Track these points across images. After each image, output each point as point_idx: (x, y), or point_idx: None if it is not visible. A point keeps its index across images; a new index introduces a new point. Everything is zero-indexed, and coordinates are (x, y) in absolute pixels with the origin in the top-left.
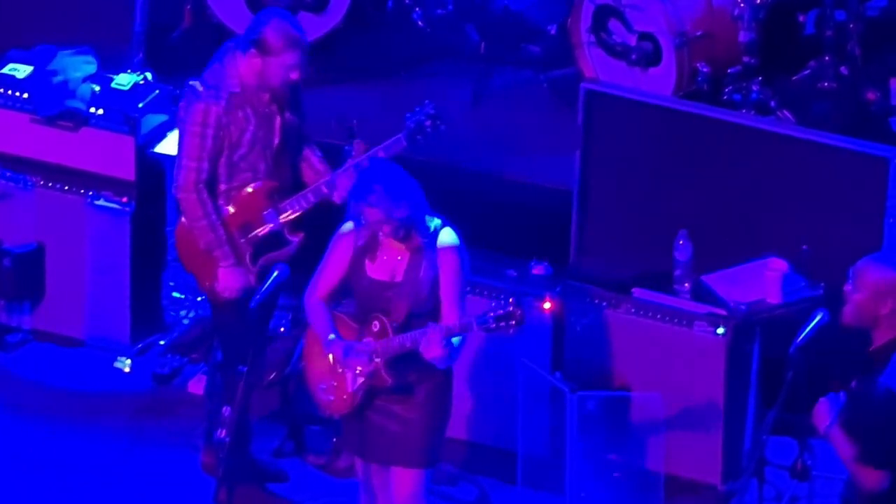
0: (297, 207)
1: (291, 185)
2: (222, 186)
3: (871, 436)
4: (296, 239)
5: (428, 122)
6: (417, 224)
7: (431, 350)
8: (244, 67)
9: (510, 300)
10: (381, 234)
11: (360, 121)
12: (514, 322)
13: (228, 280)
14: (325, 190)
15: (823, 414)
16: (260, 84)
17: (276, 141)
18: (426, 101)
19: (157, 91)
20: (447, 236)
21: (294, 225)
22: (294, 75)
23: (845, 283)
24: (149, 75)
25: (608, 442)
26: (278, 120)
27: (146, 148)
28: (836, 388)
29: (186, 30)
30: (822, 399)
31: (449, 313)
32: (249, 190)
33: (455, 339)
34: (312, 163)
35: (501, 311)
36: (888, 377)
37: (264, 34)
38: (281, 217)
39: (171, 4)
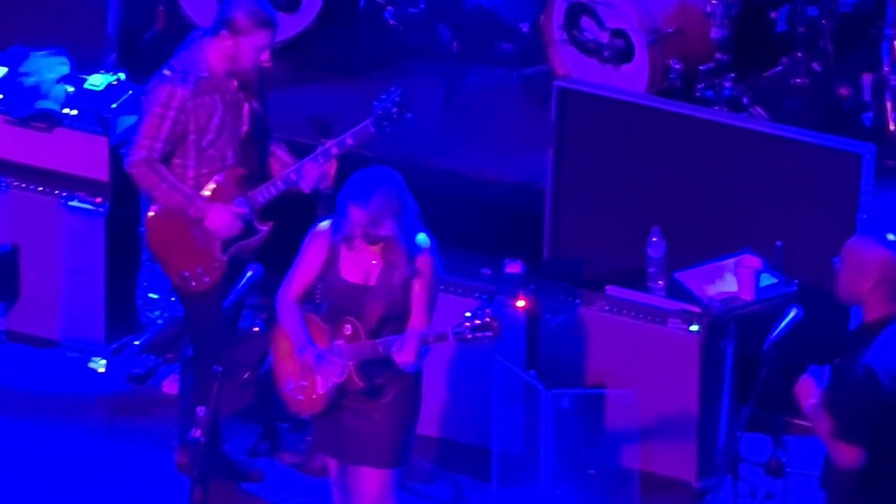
0: (266, 195)
1: (260, 174)
2: (191, 173)
3: (848, 412)
4: (265, 228)
5: (395, 109)
6: (399, 242)
7: (405, 356)
8: (214, 51)
9: (487, 311)
10: (357, 235)
11: (332, 120)
12: (490, 333)
13: (217, 221)
14: (293, 178)
15: (807, 390)
16: (230, 67)
17: (245, 128)
18: (392, 88)
19: (131, 92)
20: (422, 242)
21: (264, 214)
22: (264, 56)
23: (817, 277)
24: (122, 76)
25: (583, 439)
26: (246, 107)
27: (120, 148)
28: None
29: (159, 31)
30: (804, 375)
31: (417, 317)
32: (218, 178)
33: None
34: (279, 155)
35: (478, 322)
36: (870, 356)
37: (235, 14)
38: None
39: (145, 5)
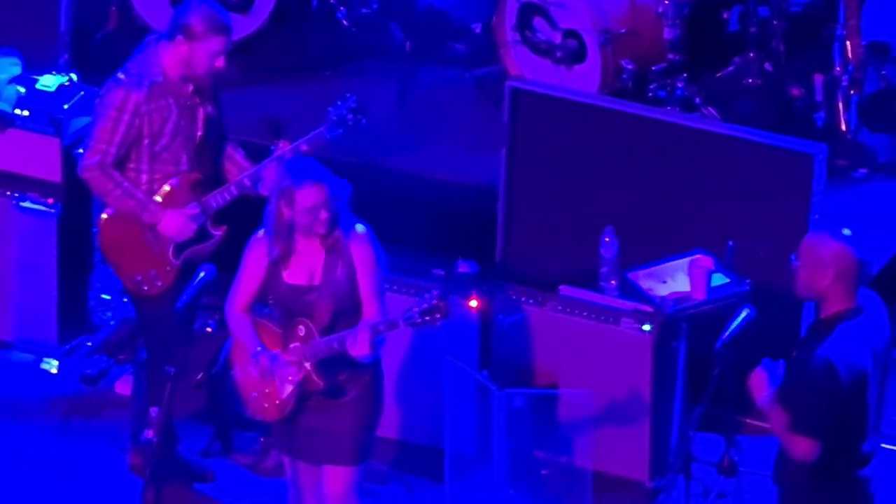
0: (220, 200)
1: (214, 179)
2: (144, 177)
3: (806, 405)
4: (219, 233)
5: (350, 116)
6: (344, 217)
7: (359, 349)
8: (169, 56)
9: (434, 293)
10: (301, 231)
11: (285, 120)
12: (439, 315)
13: (171, 226)
14: (247, 183)
15: (761, 383)
16: (184, 72)
17: (199, 133)
18: (348, 95)
19: (83, 92)
20: (358, 231)
21: (217, 219)
22: (219, 62)
23: (769, 277)
24: (74, 76)
25: (536, 439)
26: (201, 112)
27: (72, 149)
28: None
29: (112, 31)
30: (758, 368)
31: (369, 307)
32: (172, 183)
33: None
34: (236, 159)
35: (426, 305)
36: (827, 348)
37: (190, 19)
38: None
39: (97, 6)
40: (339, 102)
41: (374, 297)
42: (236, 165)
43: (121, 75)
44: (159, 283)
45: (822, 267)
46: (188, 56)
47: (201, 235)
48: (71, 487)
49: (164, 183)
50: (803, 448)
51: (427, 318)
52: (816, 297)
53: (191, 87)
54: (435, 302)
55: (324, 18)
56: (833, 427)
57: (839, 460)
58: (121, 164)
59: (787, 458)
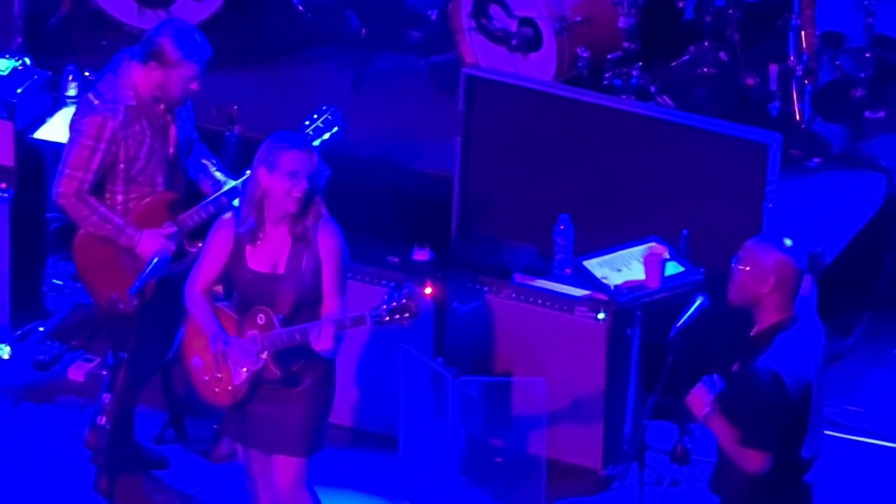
0: (196, 219)
1: (186, 193)
2: (119, 198)
3: (757, 418)
4: (194, 250)
5: (324, 128)
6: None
7: (323, 342)
8: (142, 79)
9: (404, 292)
10: (274, 203)
11: (240, 107)
12: (408, 315)
13: (147, 247)
14: (224, 201)
15: (700, 400)
16: (158, 95)
17: (172, 151)
18: (324, 106)
19: (36, 76)
20: (327, 224)
21: (192, 235)
22: (194, 87)
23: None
24: (27, 60)
25: (490, 427)
26: (173, 129)
27: (25, 133)
28: (714, 371)
29: (65, 15)
30: (698, 385)
31: (330, 301)
32: (147, 203)
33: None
34: (209, 170)
35: (395, 304)
36: (769, 358)
37: (163, 46)
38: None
39: None
40: (313, 114)
41: (336, 291)
42: (211, 178)
43: (95, 100)
44: (135, 302)
45: (764, 274)
46: (163, 81)
47: (177, 253)
48: (23, 474)
49: (138, 203)
50: (755, 462)
51: (396, 316)
52: (751, 303)
53: (162, 107)
54: (404, 301)
55: (280, 4)
56: (780, 438)
57: (784, 469)
58: (97, 188)
59: (731, 469)
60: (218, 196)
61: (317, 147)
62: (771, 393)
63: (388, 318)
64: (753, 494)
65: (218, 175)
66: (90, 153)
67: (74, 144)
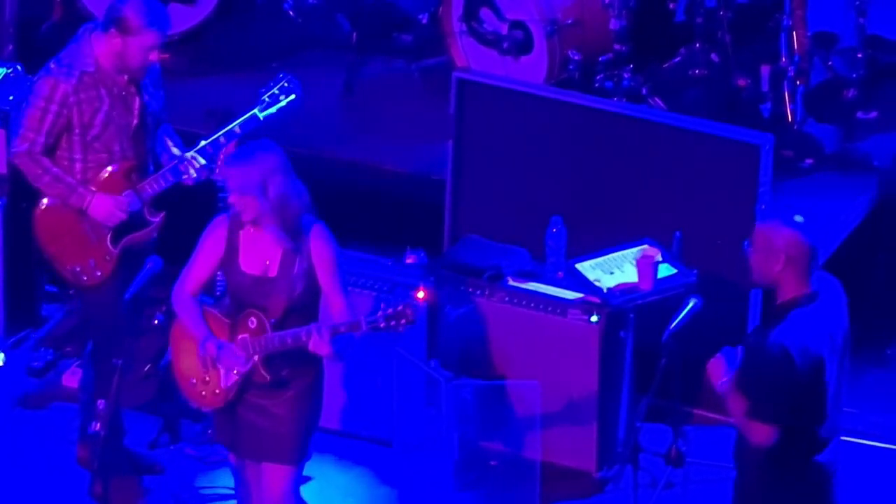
0: (156, 187)
1: (151, 167)
2: (78, 166)
3: (763, 391)
4: (156, 219)
5: (280, 95)
6: (299, 221)
7: (320, 349)
8: (102, 47)
9: (400, 298)
10: (253, 221)
11: (231, 112)
12: (404, 321)
13: (100, 209)
14: (181, 169)
15: (719, 369)
16: (118, 65)
17: (135, 122)
18: (280, 74)
19: (28, 83)
20: (318, 229)
21: (157, 205)
22: (153, 56)
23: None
24: (19, 67)
25: (484, 430)
26: (137, 101)
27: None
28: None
29: (57, 21)
30: (718, 354)
31: (335, 302)
32: (108, 171)
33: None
34: (167, 145)
35: (391, 311)
36: (781, 333)
37: (124, 13)
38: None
39: None
40: (270, 83)
41: (338, 291)
42: (168, 151)
43: (52, 65)
44: (98, 273)
45: (774, 253)
46: (122, 49)
47: (139, 222)
48: (18, 480)
49: (98, 171)
50: (761, 433)
51: (392, 322)
52: (770, 283)
53: (125, 78)
54: (401, 308)
55: (270, 9)
56: (790, 412)
57: (796, 445)
58: (51, 152)
59: (746, 443)
60: (175, 165)
61: (252, 154)
62: (777, 366)
63: (383, 325)
64: (765, 468)
65: (175, 150)
66: (41, 114)
67: (28, 106)
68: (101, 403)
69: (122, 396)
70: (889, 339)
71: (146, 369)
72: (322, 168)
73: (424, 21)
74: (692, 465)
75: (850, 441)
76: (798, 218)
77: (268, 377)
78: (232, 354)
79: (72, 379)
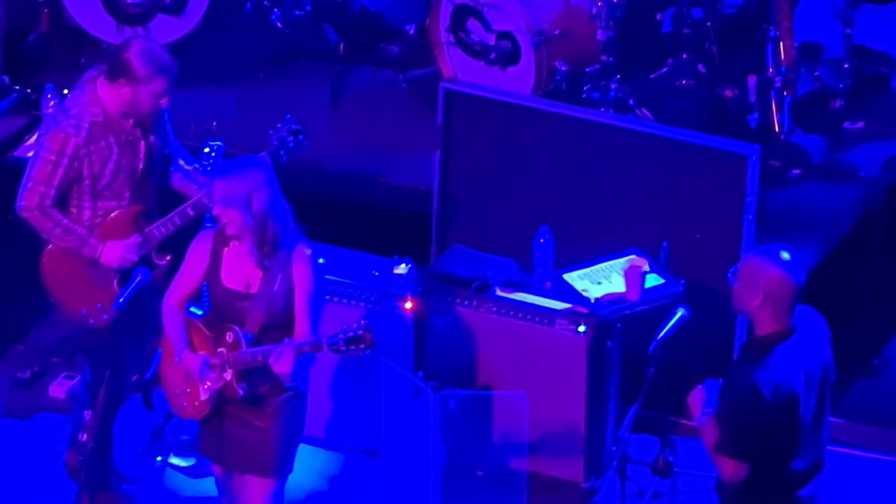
0: (163, 230)
1: (158, 208)
2: (87, 214)
3: (730, 427)
4: (163, 262)
5: (290, 138)
6: (277, 240)
7: (282, 365)
8: (110, 96)
9: (361, 322)
10: (235, 236)
11: (218, 122)
12: (363, 346)
13: (112, 257)
14: (191, 213)
15: (698, 402)
16: (127, 111)
17: (141, 166)
18: (287, 116)
19: (14, 95)
20: (301, 250)
21: (161, 248)
22: (163, 102)
23: (708, 277)
24: (5, 79)
25: (471, 441)
26: (143, 145)
27: (5, 152)
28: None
29: (43, 33)
30: (699, 386)
31: (301, 327)
32: (114, 216)
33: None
34: (186, 171)
35: (351, 335)
36: (752, 370)
37: (132, 63)
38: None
39: (28, 8)
40: (278, 125)
41: (306, 316)
42: (188, 178)
43: (60, 116)
44: (105, 317)
45: (754, 289)
46: (132, 98)
47: (146, 266)
48: (4, 492)
49: (106, 218)
50: (728, 469)
51: (352, 346)
52: (748, 315)
53: (131, 122)
54: (361, 332)
55: (257, 20)
56: (759, 450)
57: (769, 480)
58: (63, 201)
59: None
60: (184, 208)
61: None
62: (745, 403)
63: (343, 348)
64: (744, 500)
65: (192, 175)
66: (52, 168)
67: (38, 159)
68: (87, 414)
69: (117, 410)
70: (875, 350)
71: (134, 379)
72: (309, 179)
73: (412, 32)
74: (680, 476)
75: (838, 451)
76: (785, 255)
77: (239, 393)
78: (204, 367)
79: (58, 390)
